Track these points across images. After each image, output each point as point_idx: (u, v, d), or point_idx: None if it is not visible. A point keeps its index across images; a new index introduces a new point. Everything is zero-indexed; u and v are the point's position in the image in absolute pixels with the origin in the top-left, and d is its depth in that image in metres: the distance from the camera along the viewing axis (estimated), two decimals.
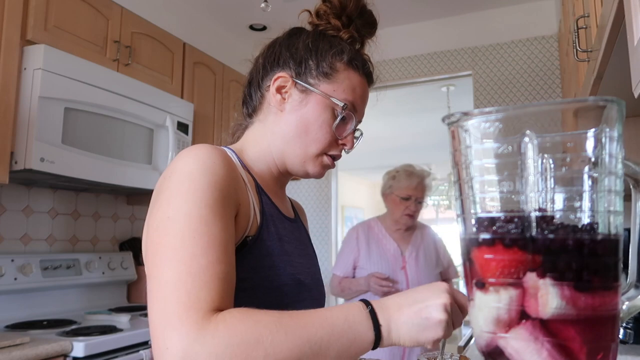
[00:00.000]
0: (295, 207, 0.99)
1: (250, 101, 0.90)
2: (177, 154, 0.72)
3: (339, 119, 0.83)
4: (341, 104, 0.82)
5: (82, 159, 1.93)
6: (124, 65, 2.25)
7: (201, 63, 2.77)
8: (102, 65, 2.09)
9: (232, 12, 2.91)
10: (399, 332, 0.63)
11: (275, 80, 0.84)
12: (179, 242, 0.62)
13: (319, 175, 0.88)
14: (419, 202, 2.11)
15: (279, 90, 0.84)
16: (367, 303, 0.64)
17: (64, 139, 1.87)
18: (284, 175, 0.90)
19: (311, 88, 0.83)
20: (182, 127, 2.46)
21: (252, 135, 0.88)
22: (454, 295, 0.66)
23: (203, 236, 0.62)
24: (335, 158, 0.87)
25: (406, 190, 2.09)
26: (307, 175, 0.87)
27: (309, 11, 0.91)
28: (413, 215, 2.11)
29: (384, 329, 0.63)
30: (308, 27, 0.91)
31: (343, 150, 0.87)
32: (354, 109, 0.85)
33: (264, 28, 3.10)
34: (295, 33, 0.89)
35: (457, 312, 0.66)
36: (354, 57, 0.86)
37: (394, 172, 2.18)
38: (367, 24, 0.91)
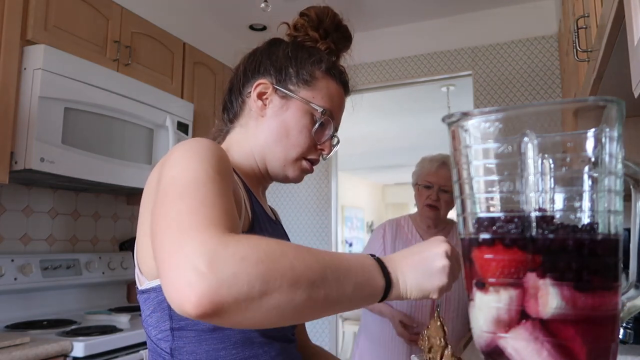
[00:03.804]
0: (273, 210, 1.01)
1: (230, 107, 0.93)
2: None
3: (317, 124, 0.87)
4: (320, 110, 0.86)
5: (82, 159, 1.93)
6: (124, 65, 2.25)
7: (201, 63, 2.77)
8: (102, 65, 2.09)
9: (232, 12, 2.91)
10: (405, 282, 0.65)
11: (256, 86, 0.87)
12: (186, 188, 0.59)
13: (298, 180, 0.91)
14: (443, 191, 1.79)
15: (260, 96, 0.87)
16: (372, 255, 0.66)
17: (64, 139, 1.87)
18: (266, 179, 0.92)
19: (291, 94, 0.86)
20: (182, 127, 2.46)
21: (235, 139, 0.91)
22: (452, 245, 0.69)
23: (214, 185, 0.61)
24: (313, 163, 0.90)
25: (427, 177, 1.83)
26: (286, 179, 0.91)
27: (287, 24, 0.95)
28: (435, 206, 1.79)
29: (392, 277, 0.64)
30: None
31: (321, 156, 0.91)
32: (332, 116, 0.89)
33: (264, 28, 3.10)
34: (275, 43, 0.93)
35: (457, 258, 0.68)
36: (332, 67, 0.90)
37: (420, 160, 1.94)
38: (343, 38, 0.96)
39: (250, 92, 0.88)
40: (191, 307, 0.49)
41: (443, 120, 0.44)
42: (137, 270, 0.77)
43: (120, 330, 1.83)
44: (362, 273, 0.61)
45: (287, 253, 0.54)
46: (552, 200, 0.39)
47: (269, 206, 0.98)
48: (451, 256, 0.68)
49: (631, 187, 0.46)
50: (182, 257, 0.50)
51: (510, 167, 0.39)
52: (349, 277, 0.59)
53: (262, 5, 2.25)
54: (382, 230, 1.95)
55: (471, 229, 0.42)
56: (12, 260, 1.98)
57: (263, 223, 0.83)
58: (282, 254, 0.54)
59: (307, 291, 0.54)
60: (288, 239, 0.97)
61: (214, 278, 0.49)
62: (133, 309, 2.30)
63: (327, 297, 0.56)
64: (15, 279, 1.97)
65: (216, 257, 0.50)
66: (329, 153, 0.91)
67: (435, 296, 0.67)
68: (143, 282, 0.75)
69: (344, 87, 0.93)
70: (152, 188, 0.70)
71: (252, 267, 0.50)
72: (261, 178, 0.91)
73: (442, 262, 0.66)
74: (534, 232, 0.38)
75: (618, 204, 0.39)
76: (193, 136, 2.55)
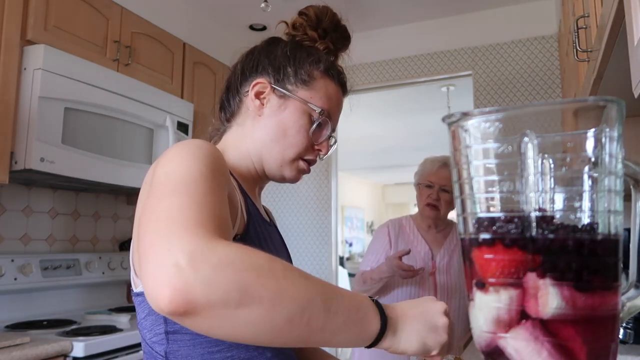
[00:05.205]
0: (267, 211, 1.00)
1: (228, 106, 0.92)
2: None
3: (315, 124, 0.86)
4: (318, 110, 0.86)
5: (82, 159, 1.93)
6: (124, 65, 2.25)
7: (201, 63, 2.77)
8: (102, 65, 2.09)
9: (232, 12, 2.91)
10: (406, 334, 0.62)
11: (254, 85, 0.87)
12: (178, 184, 0.58)
13: (295, 180, 0.90)
14: (444, 191, 1.82)
15: (257, 95, 0.87)
16: (371, 298, 0.63)
17: (64, 139, 1.87)
18: (262, 180, 0.92)
19: (289, 94, 0.86)
20: (182, 127, 2.46)
21: (232, 139, 0.90)
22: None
23: (206, 184, 0.60)
24: (310, 163, 0.90)
25: (428, 177, 1.86)
26: (283, 180, 0.90)
27: (285, 22, 0.94)
28: (436, 205, 1.82)
29: (390, 322, 0.61)
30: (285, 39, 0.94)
31: (318, 157, 0.90)
32: (329, 116, 0.88)
33: (264, 28, 3.10)
34: (273, 42, 0.92)
35: (451, 320, 0.67)
36: (330, 67, 0.89)
37: (422, 160, 1.97)
38: (341, 38, 0.95)
39: (247, 91, 0.88)
40: (164, 302, 0.48)
41: (443, 120, 0.44)
42: (132, 272, 0.76)
43: (120, 330, 1.83)
44: (357, 310, 0.58)
45: (276, 269, 0.52)
46: (552, 200, 0.39)
47: (264, 207, 0.98)
48: (448, 315, 0.66)
49: (631, 187, 0.46)
50: (165, 251, 0.49)
51: (510, 167, 0.39)
52: (340, 310, 0.55)
53: (262, 5, 2.25)
54: (386, 229, 1.95)
55: (471, 229, 0.42)
56: (12, 260, 1.98)
57: (258, 226, 0.82)
58: (271, 269, 0.52)
59: (290, 312, 0.51)
60: (283, 241, 0.97)
61: (192, 275, 0.47)
62: (133, 309, 2.30)
63: (310, 323, 0.52)
64: (15, 279, 1.97)
65: (200, 257, 0.49)
66: (326, 153, 0.91)
67: (435, 353, 0.65)
68: (138, 285, 0.74)
69: (342, 87, 0.92)
70: (146, 187, 0.70)
71: (234, 274, 0.49)
72: (257, 178, 0.90)
73: (444, 320, 0.65)
74: (534, 232, 0.38)
75: (618, 204, 0.39)
76: (193, 136, 2.55)
